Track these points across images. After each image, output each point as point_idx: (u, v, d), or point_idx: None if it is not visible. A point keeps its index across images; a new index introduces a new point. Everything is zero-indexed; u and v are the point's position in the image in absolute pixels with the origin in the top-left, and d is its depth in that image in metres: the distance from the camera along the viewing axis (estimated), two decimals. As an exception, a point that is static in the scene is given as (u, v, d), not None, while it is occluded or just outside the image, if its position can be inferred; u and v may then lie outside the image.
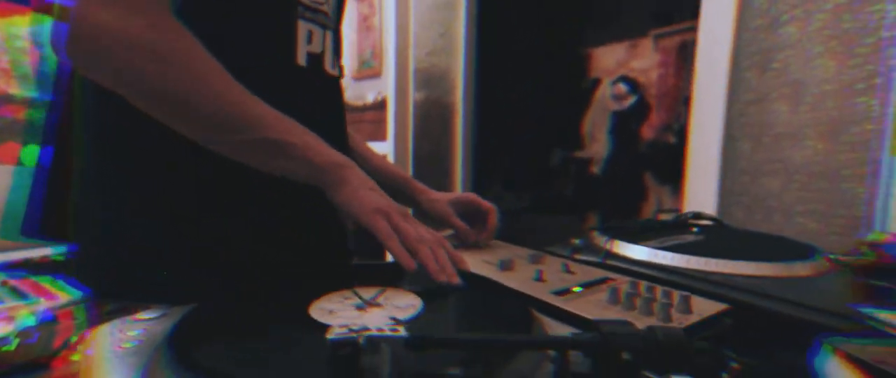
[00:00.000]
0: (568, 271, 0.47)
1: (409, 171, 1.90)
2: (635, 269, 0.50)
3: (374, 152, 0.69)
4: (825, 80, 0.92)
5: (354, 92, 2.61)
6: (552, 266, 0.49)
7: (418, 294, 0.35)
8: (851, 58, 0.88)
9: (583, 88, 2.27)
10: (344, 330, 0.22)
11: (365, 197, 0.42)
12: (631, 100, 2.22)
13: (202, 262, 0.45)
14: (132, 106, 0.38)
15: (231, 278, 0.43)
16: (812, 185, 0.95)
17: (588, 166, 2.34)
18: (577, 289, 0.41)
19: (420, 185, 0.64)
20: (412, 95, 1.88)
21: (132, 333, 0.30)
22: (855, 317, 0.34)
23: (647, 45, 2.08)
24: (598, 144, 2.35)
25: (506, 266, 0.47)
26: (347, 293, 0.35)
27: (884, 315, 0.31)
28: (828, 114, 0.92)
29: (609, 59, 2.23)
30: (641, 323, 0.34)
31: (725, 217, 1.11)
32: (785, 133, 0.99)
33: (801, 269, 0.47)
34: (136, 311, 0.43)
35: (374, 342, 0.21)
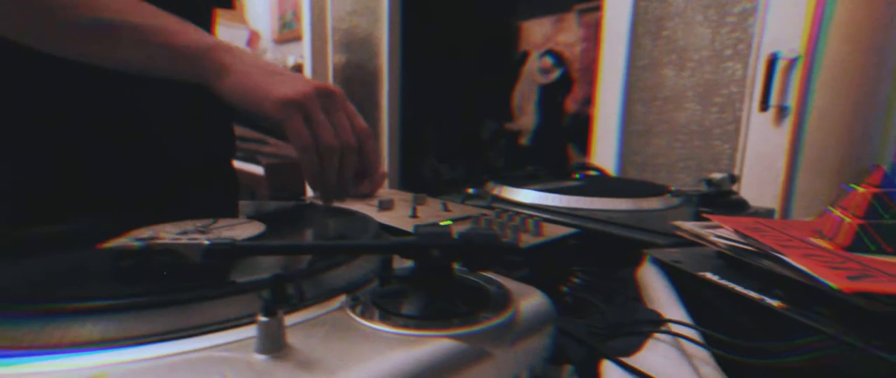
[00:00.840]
0: (445, 209, 0.48)
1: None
2: (515, 209, 0.54)
3: None
4: (703, 47, 1.01)
5: (274, 55, 2.44)
6: (432, 206, 0.50)
7: (265, 222, 0.34)
8: (723, 26, 0.97)
9: (512, 61, 2.31)
10: (127, 239, 0.20)
11: (264, 84, 0.32)
12: (556, 73, 2.31)
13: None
14: None
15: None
16: (690, 143, 1.06)
17: (517, 138, 2.42)
18: (446, 222, 0.43)
19: None
20: (331, 58, 1.79)
21: None
22: (671, 232, 0.39)
23: (571, 19, 2.16)
24: (526, 116, 2.43)
25: (385, 206, 0.48)
26: (186, 224, 0.33)
27: (687, 225, 0.36)
28: (704, 77, 1.02)
29: (537, 32, 2.29)
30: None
31: (622, 175, 1.21)
32: (670, 96, 1.09)
33: (651, 203, 0.53)
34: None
35: (160, 250, 0.20)
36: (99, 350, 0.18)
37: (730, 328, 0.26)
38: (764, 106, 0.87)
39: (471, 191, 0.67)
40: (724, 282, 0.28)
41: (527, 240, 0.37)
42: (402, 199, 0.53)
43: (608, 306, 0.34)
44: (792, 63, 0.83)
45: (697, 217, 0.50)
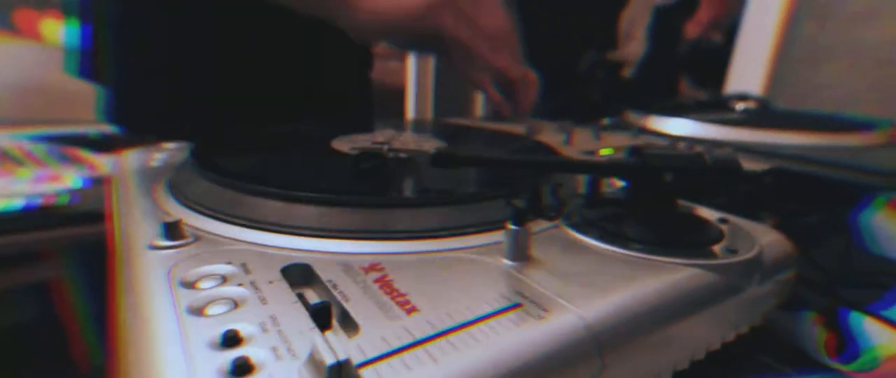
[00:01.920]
0: (598, 138, 0.45)
1: (430, 90, 1.80)
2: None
3: None
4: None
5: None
6: (581, 134, 0.47)
7: (445, 137, 0.35)
8: None
9: (625, -23, 2.01)
10: (368, 144, 0.21)
11: (394, 3, 0.30)
12: (680, -8, 1.97)
13: (229, 101, 0.46)
14: None
15: (254, 119, 0.44)
16: (878, 72, 0.85)
17: (619, 69, 2.17)
18: (607, 150, 0.39)
19: None
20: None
21: (157, 156, 0.31)
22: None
23: (706, -81, 1.78)
24: (634, 43, 2.15)
25: (535, 131, 0.45)
26: (376, 136, 0.35)
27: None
28: (919, -16, 0.79)
29: (659, -61, 1.93)
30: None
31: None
32: (861, 11, 0.86)
33: (857, 139, 0.44)
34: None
35: (399, 155, 0.20)
36: (372, 239, 0.19)
37: None
38: None
39: (606, 121, 0.62)
40: None
41: (718, 173, 0.33)
42: (547, 126, 0.50)
43: (821, 252, 0.29)
44: None
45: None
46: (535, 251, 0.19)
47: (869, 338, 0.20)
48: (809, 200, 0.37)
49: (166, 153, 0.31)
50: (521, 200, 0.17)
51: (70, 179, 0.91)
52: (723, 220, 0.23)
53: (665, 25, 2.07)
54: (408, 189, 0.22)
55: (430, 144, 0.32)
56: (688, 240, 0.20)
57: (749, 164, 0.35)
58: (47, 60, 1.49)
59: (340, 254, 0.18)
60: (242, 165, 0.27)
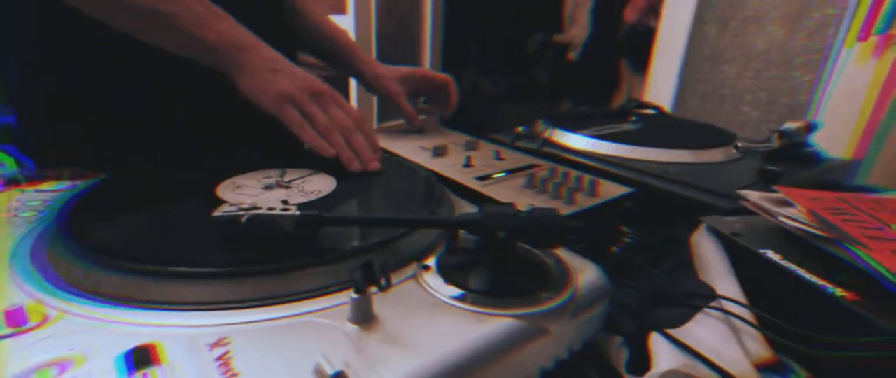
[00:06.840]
0: (498, 158, 0.48)
1: (373, 51, 1.78)
2: (566, 155, 0.53)
3: (323, 16, 0.61)
4: (803, -43, 0.86)
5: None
6: (484, 153, 0.50)
7: (339, 178, 0.37)
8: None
9: (568, -40, 2.05)
10: (233, 208, 0.23)
11: (267, 82, 0.38)
12: (618, -24, 2.03)
13: (138, 136, 0.45)
14: None
15: (165, 152, 0.43)
16: (765, 73, 0.96)
17: (566, 52, 2.24)
18: (499, 174, 0.43)
19: (364, 56, 0.58)
20: (372, -37, 1.66)
21: (32, 203, 0.31)
22: (733, 196, 0.38)
23: None
24: (578, 27, 2.22)
25: (439, 152, 0.48)
26: (272, 173, 0.36)
27: (753, 196, 0.35)
28: (797, -5, 0.88)
29: (598, -76, 1.98)
30: (546, 204, 0.37)
31: (680, 105, 1.13)
32: (752, 16, 0.95)
33: (712, 155, 0.51)
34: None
35: (261, 219, 0.22)
36: (214, 310, 0.21)
37: (788, 310, 0.26)
38: (864, 34, 0.75)
39: (520, 129, 0.66)
40: (785, 263, 0.28)
41: (582, 201, 0.38)
42: (455, 143, 0.53)
43: (658, 271, 0.35)
44: (914, -19, 0.70)
45: (763, 172, 0.47)
46: (384, 309, 0.22)
47: (657, 355, 0.25)
48: (664, 216, 0.43)
49: (37, 201, 0.31)
50: (358, 272, 0.20)
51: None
52: (556, 260, 0.28)
53: (606, 9, 2.15)
54: (269, 253, 0.24)
55: (313, 191, 0.34)
56: (516, 289, 0.24)
57: (612, 189, 0.40)
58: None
59: (190, 326, 0.20)
60: (103, 232, 0.27)
